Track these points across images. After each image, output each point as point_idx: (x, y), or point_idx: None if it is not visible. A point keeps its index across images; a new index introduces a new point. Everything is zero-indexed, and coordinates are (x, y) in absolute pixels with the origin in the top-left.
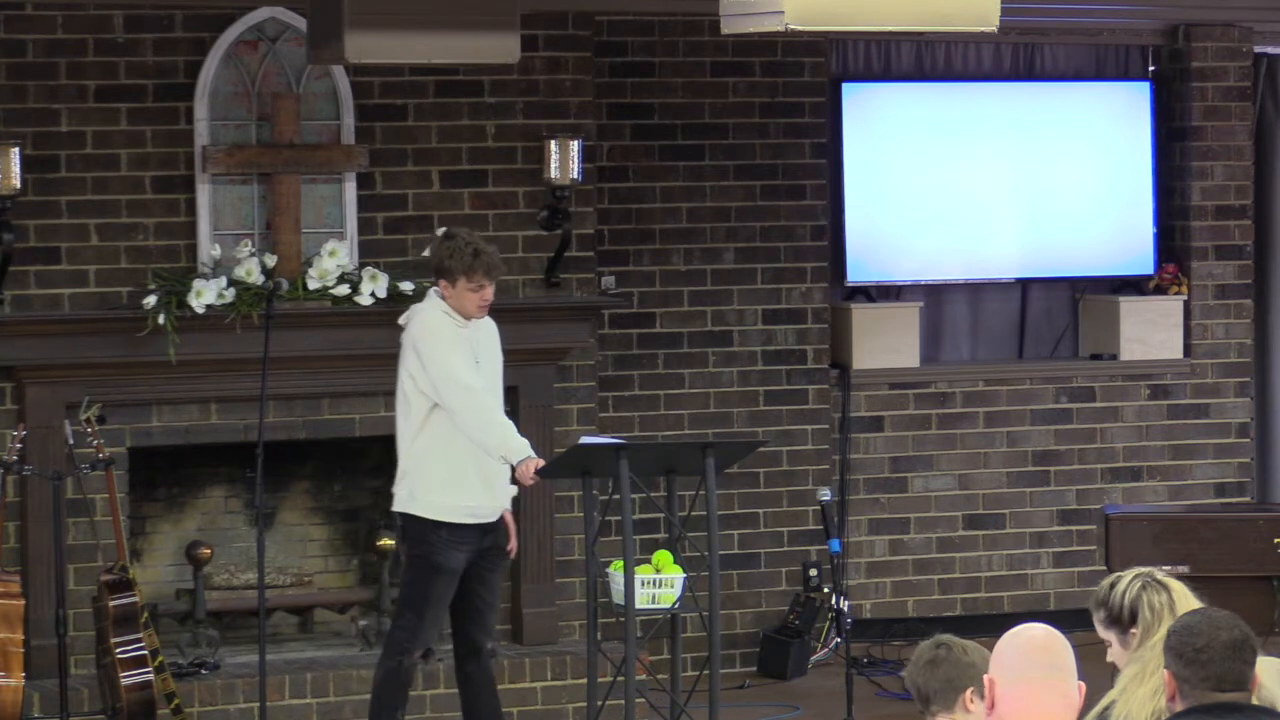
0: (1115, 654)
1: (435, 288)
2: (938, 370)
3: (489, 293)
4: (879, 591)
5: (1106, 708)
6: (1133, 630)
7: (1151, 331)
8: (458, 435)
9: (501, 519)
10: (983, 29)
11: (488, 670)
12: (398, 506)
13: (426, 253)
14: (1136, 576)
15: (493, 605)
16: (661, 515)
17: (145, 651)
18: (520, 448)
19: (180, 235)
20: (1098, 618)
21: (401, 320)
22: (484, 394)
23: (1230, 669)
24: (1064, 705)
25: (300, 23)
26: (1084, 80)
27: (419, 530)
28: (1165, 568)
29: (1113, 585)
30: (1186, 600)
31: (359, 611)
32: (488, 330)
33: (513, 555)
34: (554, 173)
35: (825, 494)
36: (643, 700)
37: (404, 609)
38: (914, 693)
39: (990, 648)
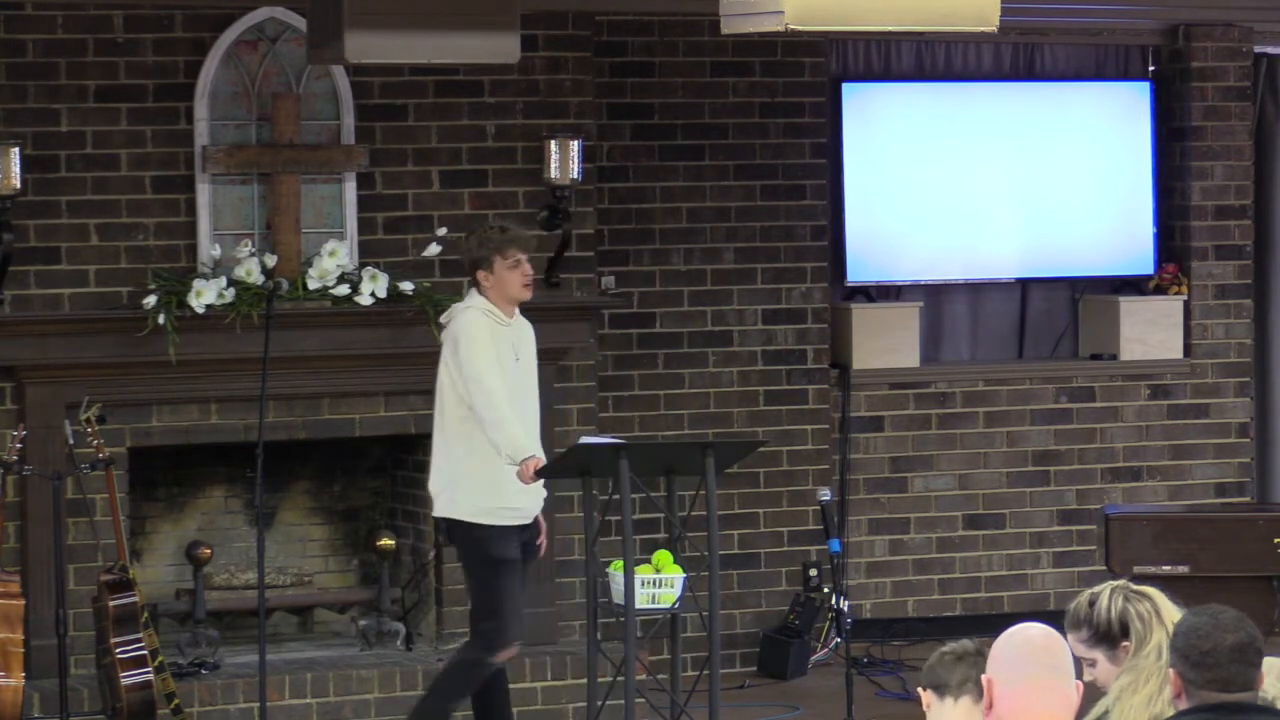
0: (1101, 671)
1: (474, 286)
2: (938, 370)
3: (528, 267)
4: (879, 591)
5: (1101, 716)
6: (1124, 644)
7: (1151, 331)
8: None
9: (535, 517)
10: (983, 29)
11: (503, 669)
12: (441, 512)
13: (462, 254)
14: (1114, 590)
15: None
16: (661, 515)
17: (145, 651)
18: (523, 448)
19: (180, 235)
20: (1079, 637)
21: (443, 319)
22: (502, 396)
23: (1236, 672)
24: (1062, 705)
25: (300, 23)
26: (1084, 80)
27: (465, 533)
28: (1164, 568)
29: (1092, 603)
30: (1166, 605)
31: (359, 611)
32: (525, 329)
33: (542, 553)
34: (554, 173)
35: (825, 494)
36: (643, 700)
37: (481, 615)
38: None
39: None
